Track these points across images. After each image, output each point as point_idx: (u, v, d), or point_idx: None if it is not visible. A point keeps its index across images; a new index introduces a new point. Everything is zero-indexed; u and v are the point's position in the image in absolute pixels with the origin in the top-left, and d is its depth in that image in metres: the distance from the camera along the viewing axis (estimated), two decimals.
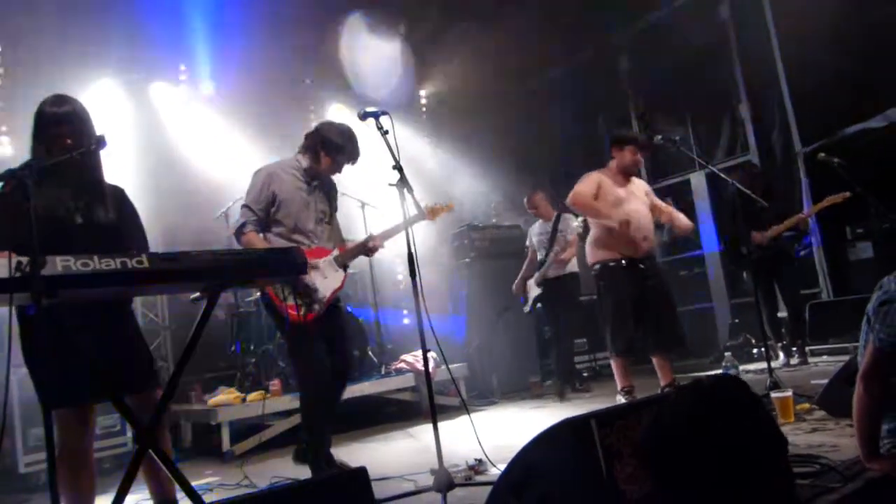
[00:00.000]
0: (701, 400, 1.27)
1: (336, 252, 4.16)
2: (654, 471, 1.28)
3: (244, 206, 4.02)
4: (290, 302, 3.87)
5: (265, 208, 3.99)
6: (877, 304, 2.72)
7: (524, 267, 7.17)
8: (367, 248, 4.16)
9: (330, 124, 4.20)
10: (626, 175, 5.08)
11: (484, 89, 9.07)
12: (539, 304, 6.97)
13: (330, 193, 4.27)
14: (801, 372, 5.95)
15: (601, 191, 4.96)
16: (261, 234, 3.99)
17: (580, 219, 6.28)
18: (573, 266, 6.86)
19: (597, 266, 5.04)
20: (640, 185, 5.20)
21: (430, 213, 4.27)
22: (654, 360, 4.94)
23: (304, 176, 4.10)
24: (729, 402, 1.21)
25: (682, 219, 5.15)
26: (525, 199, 7.24)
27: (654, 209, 5.11)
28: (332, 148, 4.05)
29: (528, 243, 7.28)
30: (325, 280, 4.00)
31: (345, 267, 4.17)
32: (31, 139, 2.94)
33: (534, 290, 6.94)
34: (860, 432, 2.76)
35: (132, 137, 6.84)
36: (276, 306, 3.91)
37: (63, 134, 2.87)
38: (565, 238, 6.72)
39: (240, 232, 3.99)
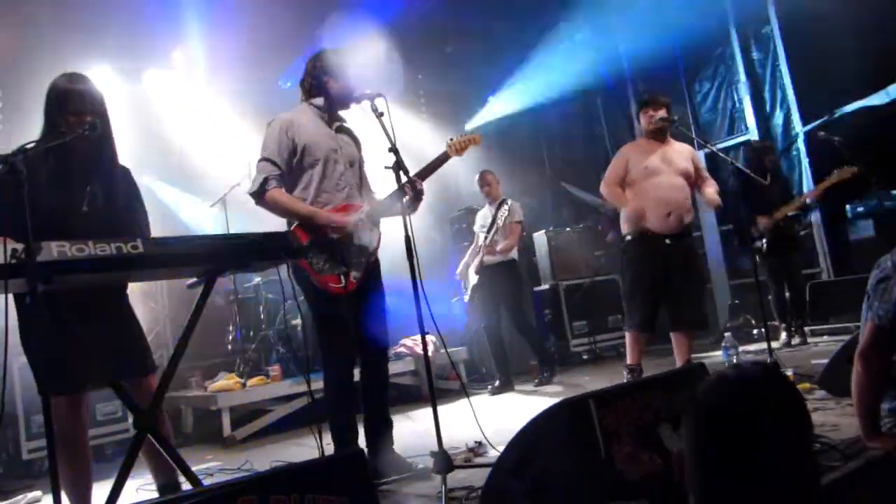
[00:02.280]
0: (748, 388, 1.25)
1: (367, 207, 3.68)
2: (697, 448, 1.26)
3: (262, 160, 3.57)
4: (329, 273, 3.52)
5: (287, 159, 3.56)
6: (874, 281, 2.72)
7: (469, 252, 6.81)
8: (412, 189, 3.50)
9: (319, 51, 3.75)
10: (654, 137, 4.99)
11: (479, 72, 9.03)
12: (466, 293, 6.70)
13: (355, 138, 3.86)
14: (801, 352, 5.94)
15: (629, 164, 4.94)
16: (284, 190, 3.57)
17: None
18: (513, 254, 6.59)
19: (627, 237, 4.99)
20: (678, 152, 5.01)
21: (455, 149, 3.87)
22: (673, 338, 4.88)
23: (325, 116, 3.71)
24: (774, 397, 1.19)
25: (710, 192, 5.01)
26: (477, 177, 6.76)
27: (697, 184, 4.98)
28: (333, 65, 3.63)
29: (475, 227, 6.88)
30: (359, 241, 3.62)
31: (378, 223, 3.73)
32: (48, 116, 2.88)
33: (473, 279, 6.58)
34: (860, 411, 2.76)
35: (128, 125, 6.79)
36: (312, 279, 3.52)
37: (86, 111, 2.84)
38: (504, 225, 6.34)
39: (262, 190, 3.52)
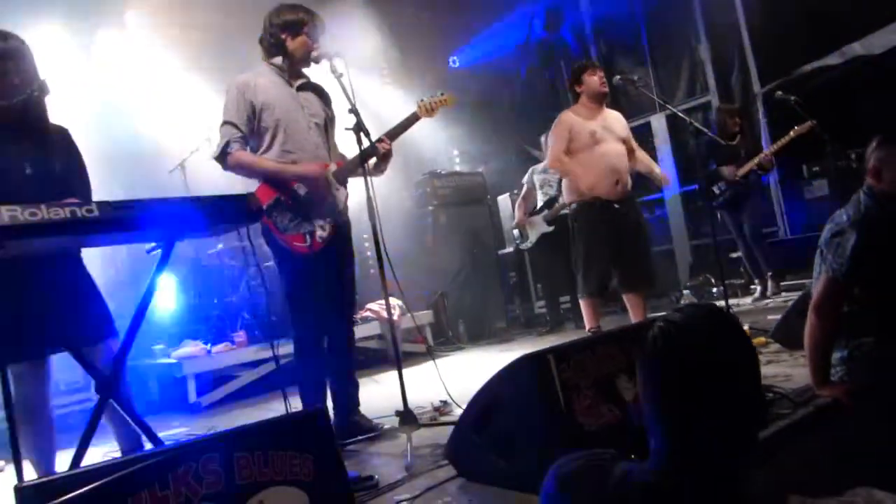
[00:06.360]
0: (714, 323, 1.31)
1: (334, 166, 3.61)
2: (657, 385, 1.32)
3: (224, 123, 3.53)
4: (293, 232, 3.49)
5: (248, 121, 3.52)
6: (829, 235, 2.80)
7: (519, 203, 7.33)
8: (378, 152, 3.52)
9: (276, 8, 3.65)
10: (598, 102, 5.00)
11: (442, 34, 8.95)
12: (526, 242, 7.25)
13: (322, 95, 3.78)
14: (756, 308, 6.08)
15: (573, 133, 4.90)
16: (248, 151, 3.54)
17: None
18: None
19: (572, 206, 5.03)
20: (615, 119, 5.08)
21: (426, 110, 3.76)
22: (626, 300, 4.96)
23: (284, 75, 3.64)
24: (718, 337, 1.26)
25: (659, 172, 5.18)
26: (544, 138, 7.18)
27: (630, 152, 5.04)
28: (293, 23, 3.56)
29: (525, 180, 7.36)
30: (325, 200, 3.57)
31: (345, 183, 3.68)
32: None
33: (540, 227, 7.07)
34: (812, 361, 2.86)
35: (80, 87, 6.61)
36: (277, 238, 3.50)
37: (9, 71, 2.73)
38: None
39: (224, 153, 3.49)
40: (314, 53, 3.56)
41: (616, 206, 4.85)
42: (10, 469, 4.12)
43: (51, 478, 1.70)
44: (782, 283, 6.42)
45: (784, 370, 3.49)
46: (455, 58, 9.79)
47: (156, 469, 1.67)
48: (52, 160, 2.90)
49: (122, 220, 2.26)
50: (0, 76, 2.73)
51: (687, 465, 1.25)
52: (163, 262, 2.60)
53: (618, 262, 4.89)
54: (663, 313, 1.46)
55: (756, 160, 6.30)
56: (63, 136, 3.04)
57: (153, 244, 2.71)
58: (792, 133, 6.03)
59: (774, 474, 1.96)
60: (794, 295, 5.98)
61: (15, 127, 2.82)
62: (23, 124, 2.85)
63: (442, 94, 3.84)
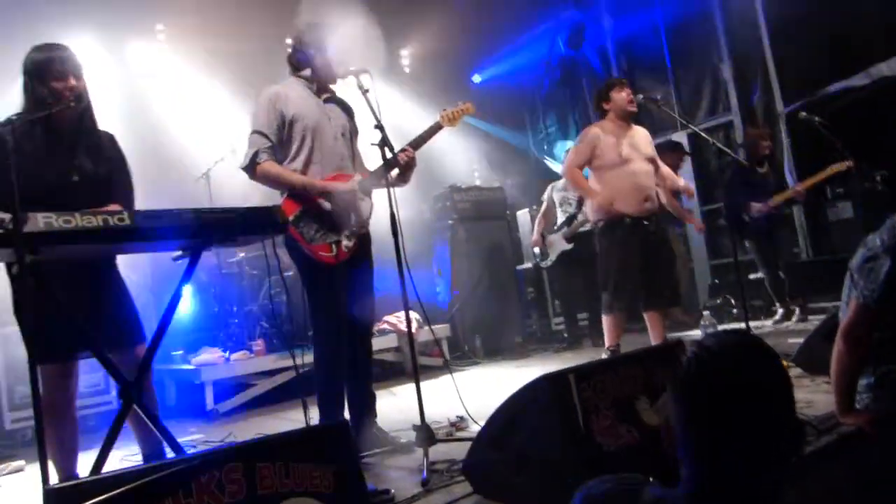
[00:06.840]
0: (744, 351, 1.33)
1: (359, 177, 3.65)
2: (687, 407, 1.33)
3: (254, 132, 3.54)
4: (320, 242, 3.51)
5: (277, 131, 3.54)
6: (861, 260, 2.72)
7: (539, 221, 7.34)
8: (399, 162, 3.56)
9: (302, 25, 3.68)
10: (625, 119, 4.97)
11: (464, 50, 9.00)
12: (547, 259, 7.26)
13: (346, 108, 3.84)
14: (777, 330, 6.03)
15: (599, 149, 4.87)
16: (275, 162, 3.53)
17: None
18: None
19: (600, 223, 4.99)
20: (642, 137, 5.04)
21: (449, 119, 3.82)
22: (648, 317, 4.94)
23: (312, 87, 3.70)
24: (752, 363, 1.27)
25: (682, 183, 5.15)
26: (564, 153, 7.26)
27: (656, 171, 5.01)
28: (319, 41, 3.58)
29: (545, 197, 7.38)
30: (351, 211, 3.60)
31: (370, 194, 3.71)
32: (30, 88, 2.87)
33: (560, 244, 7.07)
34: (838, 387, 2.79)
35: (111, 97, 6.72)
36: (303, 248, 3.51)
37: (69, 74, 2.85)
38: None
39: (253, 162, 3.49)
40: (340, 70, 3.60)
41: (645, 222, 4.84)
42: (30, 469, 4.18)
43: (78, 481, 1.73)
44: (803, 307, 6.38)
45: (806, 396, 3.45)
46: (477, 75, 9.84)
47: (180, 476, 1.69)
48: (100, 165, 2.98)
49: (153, 230, 2.31)
50: (61, 80, 2.84)
51: (718, 491, 1.25)
52: (190, 271, 2.63)
53: (642, 279, 4.87)
54: (686, 333, 1.46)
55: (789, 194, 6.29)
56: (110, 141, 3.13)
57: (180, 252, 2.76)
58: (831, 169, 5.99)
59: (799, 501, 1.94)
60: (814, 318, 5.95)
61: (70, 132, 2.92)
62: (78, 130, 2.95)
63: (464, 103, 3.90)
